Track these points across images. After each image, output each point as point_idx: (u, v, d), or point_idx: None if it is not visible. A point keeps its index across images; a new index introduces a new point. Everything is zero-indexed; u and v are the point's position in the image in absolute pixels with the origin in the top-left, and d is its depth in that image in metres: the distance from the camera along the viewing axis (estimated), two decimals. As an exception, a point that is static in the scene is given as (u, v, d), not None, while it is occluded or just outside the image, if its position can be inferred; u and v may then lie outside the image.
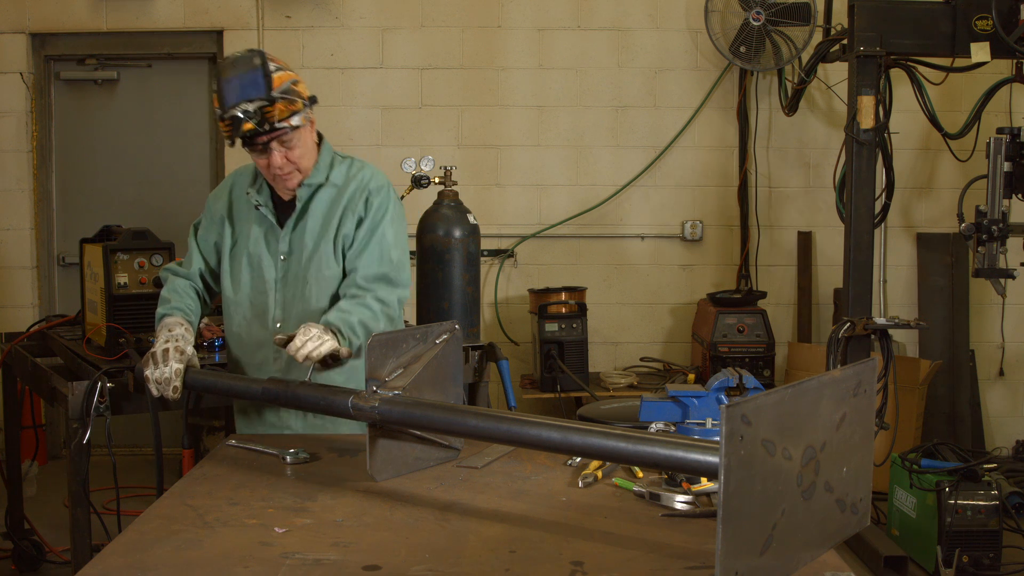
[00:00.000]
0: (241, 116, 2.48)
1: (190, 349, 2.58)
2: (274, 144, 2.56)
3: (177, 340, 2.56)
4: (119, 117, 5.83)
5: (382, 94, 5.69)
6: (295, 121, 2.55)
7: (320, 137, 2.76)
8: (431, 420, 2.05)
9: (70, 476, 2.90)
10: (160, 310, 2.72)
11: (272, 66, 2.53)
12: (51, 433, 5.63)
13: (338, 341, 2.45)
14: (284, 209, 2.74)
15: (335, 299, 2.69)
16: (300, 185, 2.69)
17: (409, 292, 2.76)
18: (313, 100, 2.63)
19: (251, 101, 2.49)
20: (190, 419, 3.19)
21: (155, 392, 2.53)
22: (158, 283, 3.26)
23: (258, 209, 2.73)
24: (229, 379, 2.62)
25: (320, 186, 2.71)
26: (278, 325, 2.70)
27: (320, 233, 2.70)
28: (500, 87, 5.72)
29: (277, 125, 2.52)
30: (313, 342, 2.37)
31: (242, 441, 2.51)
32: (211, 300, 2.90)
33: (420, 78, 5.70)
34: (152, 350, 2.56)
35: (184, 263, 2.88)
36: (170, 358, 2.51)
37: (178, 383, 2.50)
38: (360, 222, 2.69)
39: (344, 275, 2.71)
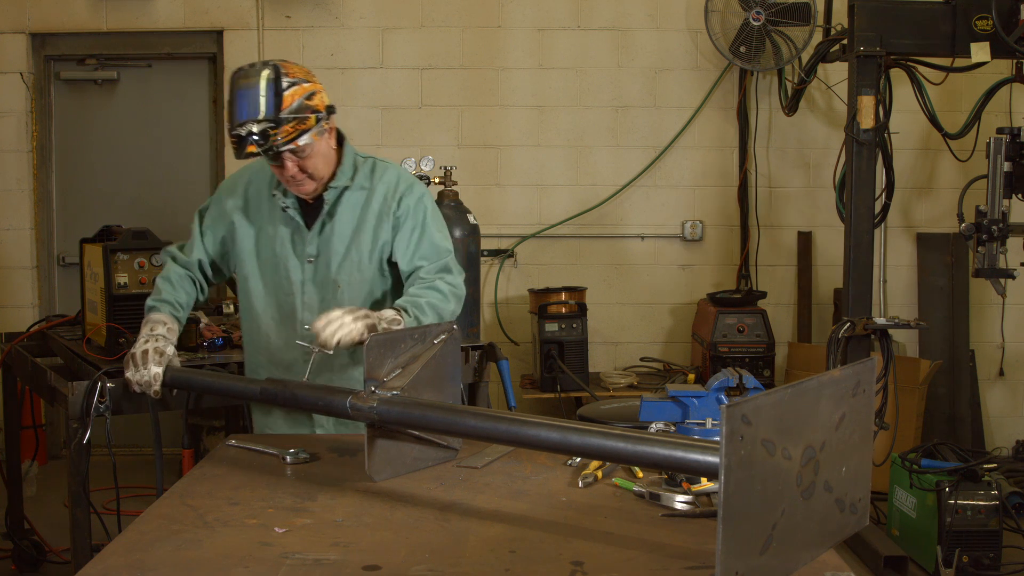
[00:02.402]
0: (245, 137, 2.47)
1: (170, 350, 2.62)
2: (286, 154, 2.54)
3: (157, 340, 2.60)
4: (119, 117, 5.82)
5: (382, 94, 5.69)
6: (303, 140, 2.52)
7: (341, 139, 2.74)
8: (430, 420, 2.05)
9: (70, 476, 2.89)
10: (150, 300, 2.75)
11: (286, 82, 2.49)
12: (51, 433, 5.63)
13: (404, 319, 2.51)
14: (309, 211, 2.73)
15: (369, 297, 2.73)
16: (325, 189, 2.68)
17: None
18: (331, 110, 2.60)
19: (258, 122, 2.46)
20: (190, 419, 3.20)
21: (138, 391, 2.59)
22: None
23: (285, 211, 2.72)
24: (228, 379, 2.62)
25: (346, 188, 2.71)
26: (306, 328, 2.67)
27: (352, 237, 2.71)
28: (500, 87, 5.72)
29: (281, 148, 2.50)
30: (334, 325, 2.39)
31: (242, 441, 2.51)
32: (208, 290, 2.91)
33: (420, 78, 5.70)
34: (132, 351, 2.60)
35: (186, 249, 2.87)
36: (149, 361, 2.56)
37: (158, 387, 2.56)
38: (400, 226, 2.70)
39: (379, 275, 2.74)
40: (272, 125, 2.47)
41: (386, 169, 2.77)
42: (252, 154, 2.49)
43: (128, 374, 2.57)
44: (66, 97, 5.83)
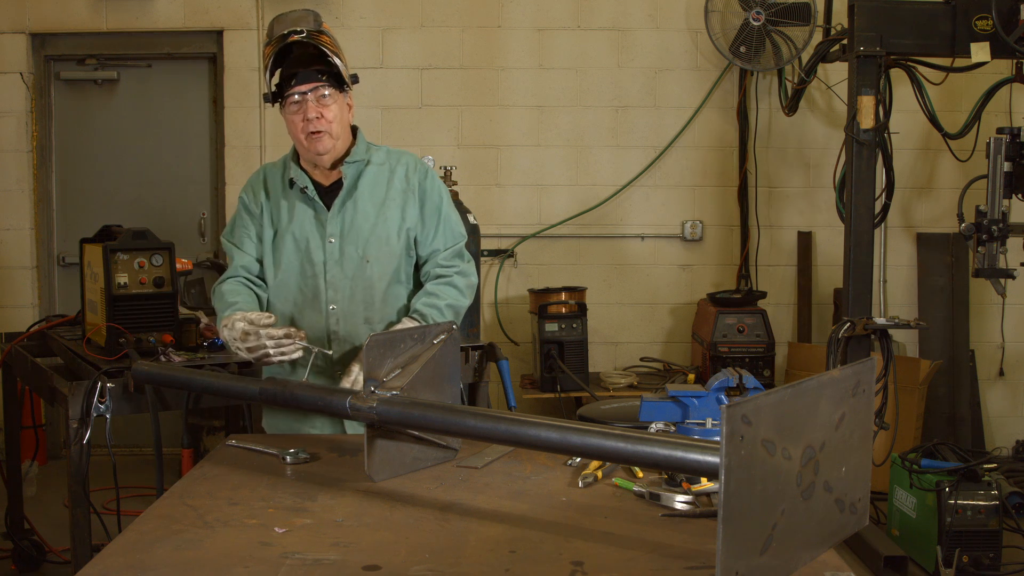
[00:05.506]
0: (287, 34, 2.59)
1: (255, 314, 2.59)
2: (311, 96, 2.62)
3: (248, 319, 2.57)
4: (119, 117, 5.82)
5: (382, 94, 5.69)
6: (339, 66, 2.63)
7: (355, 128, 2.80)
8: (429, 420, 2.05)
9: (70, 476, 2.90)
10: (218, 316, 2.71)
11: (326, 26, 2.68)
12: (51, 433, 5.62)
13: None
14: (327, 193, 2.76)
15: (396, 274, 2.76)
16: (341, 163, 2.72)
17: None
18: (355, 79, 2.73)
19: (303, 32, 2.60)
20: (190, 419, 3.20)
21: (277, 360, 2.56)
22: (159, 283, 3.26)
23: (304, 192, 2.73)
24: (228, 379, 2.61)
25: (366, 164, 2.76)
26: (332, 308, 2.72)
27: (377, 212, 2.74)
28: (500, 87, 5.72)
29: (325, 49, 2.60)
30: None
31: (242, 441, 2.51)
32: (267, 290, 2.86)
33: (420, 78, 5.70)
34: (237, 344, 2.56)
35: (227, 270, 2.84)
36: (261, 335, 2.53)
37: (291, 333, 2.54)
38: (422, 209, 2.78)
39: (406, 253, 2.77)
40: (318, 32, 2.62)
41: (401, 152, 2.85)
42: (292, 43, 2.58)
43: (269, 349, 2.54)
44: (66, 97, 5.83)
